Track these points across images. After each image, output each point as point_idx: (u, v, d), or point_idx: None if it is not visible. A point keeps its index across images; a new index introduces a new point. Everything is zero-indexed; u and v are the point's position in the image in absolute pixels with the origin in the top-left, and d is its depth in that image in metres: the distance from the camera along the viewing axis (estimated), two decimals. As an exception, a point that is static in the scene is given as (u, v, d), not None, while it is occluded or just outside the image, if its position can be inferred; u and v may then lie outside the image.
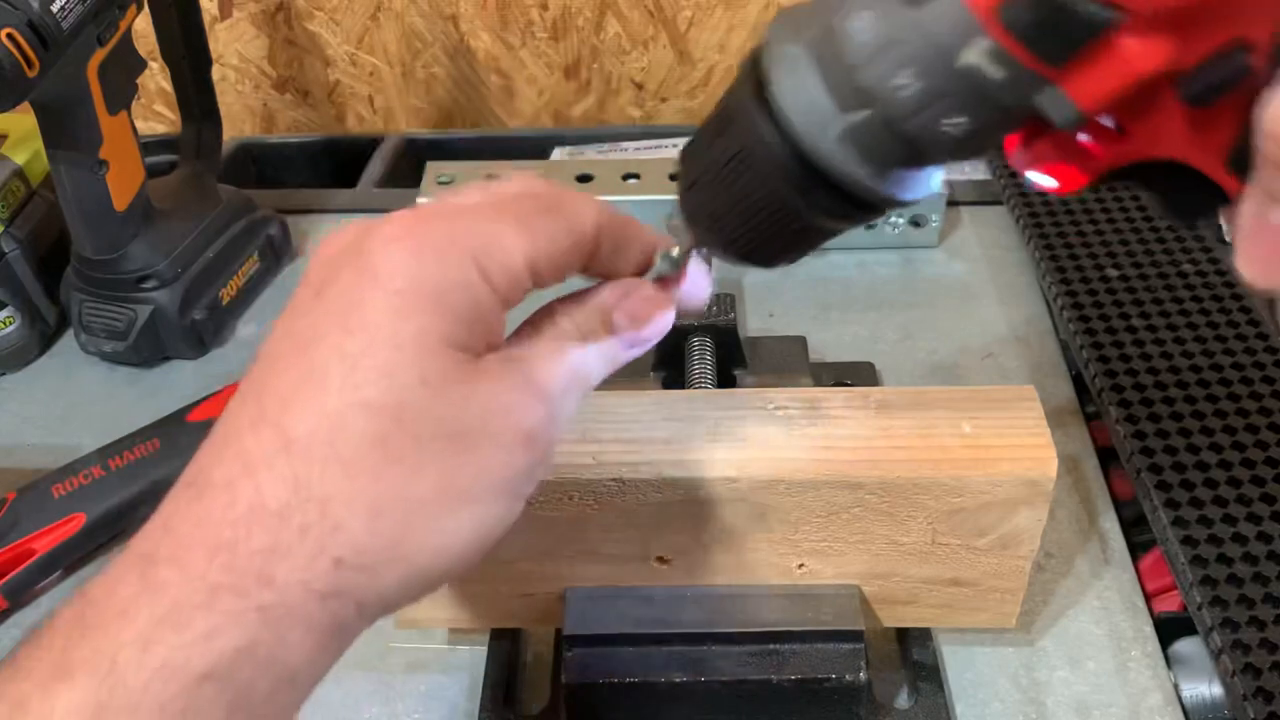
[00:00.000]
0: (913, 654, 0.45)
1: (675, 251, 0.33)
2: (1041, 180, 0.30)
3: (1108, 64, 0.25)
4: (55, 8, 0.50)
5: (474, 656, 0.46)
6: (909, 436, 0.40)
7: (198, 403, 0.54)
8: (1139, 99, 0.26)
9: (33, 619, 0.50)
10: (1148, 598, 0.48)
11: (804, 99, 0.28)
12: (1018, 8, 0.24)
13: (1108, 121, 0.28)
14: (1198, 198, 0.28)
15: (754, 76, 0.29)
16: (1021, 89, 0.26)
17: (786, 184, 0.29)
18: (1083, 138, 0.29)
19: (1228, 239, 0.67)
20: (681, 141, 0.83)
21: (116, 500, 0.51)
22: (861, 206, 0.30)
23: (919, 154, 0.28)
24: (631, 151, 0.81)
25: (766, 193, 0.29)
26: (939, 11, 0.25)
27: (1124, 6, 0.24)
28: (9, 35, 0.48)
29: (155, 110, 0.96)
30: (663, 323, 0.32)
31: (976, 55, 0.25)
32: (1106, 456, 0.54)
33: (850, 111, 0.27)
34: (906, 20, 0.26)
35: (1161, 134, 0.27)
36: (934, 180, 0.30)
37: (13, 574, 0.49)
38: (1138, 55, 0.25)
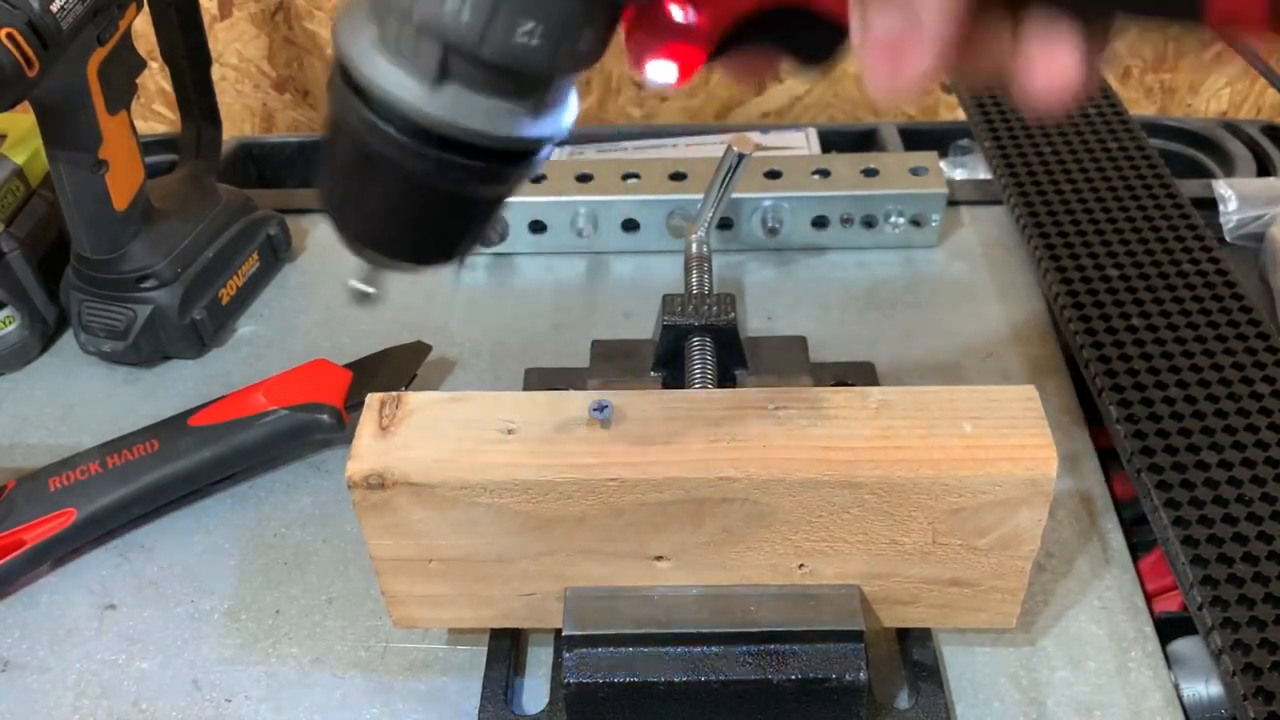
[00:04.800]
0: (913, 654, 0.45)
1: (356, 283, 0.31)
2: (662, 74, 0.28)
3: None
4: (55, 7, 0.50)
5: (474, 657, 0.46)
6: (909, 436, 0.40)
7: (201, 406, 0.54)
8: None
9: (16, 610, 0.50)
10: (1148, 598, 0.48)
11: (380, 66, 0.26)
12: None
13: None
14: (820, 36, 0.27)
15: (340, 66, 0.27)
16: None
17: (413, 159, 0.27)
18: (677, 13, 0.27)
19: (1229, 238, 0.67)
20: (683, 141, 0.83)
21: (109, 499, 0.51)
22: (496, 157, 0.27)
23: (517, 80, 0.26)
24: (631, 151, 0.81)
25: (399, 178, 0.27)
26: None
27: None
28: (9, 35, 0.48)
29: (155, 110, 0.96)
30: None
31: None
32: (1107, 456, 0.54)
33: (426, 59, 0.25)
34: None
35: None
36: (560, 115, 0.28)
37: (0, 563, 0.49)
38: None
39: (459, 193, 0.28)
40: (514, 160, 0.28)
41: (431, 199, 0.28)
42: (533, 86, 0.27)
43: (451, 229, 0.29)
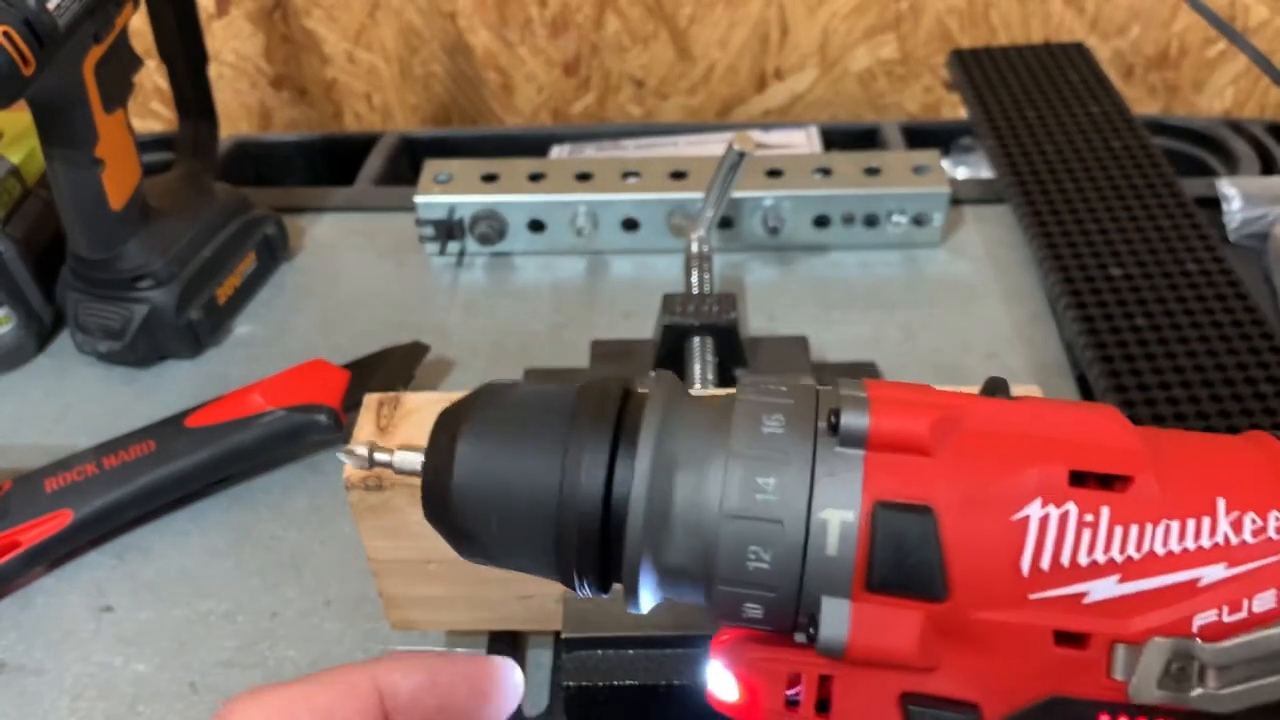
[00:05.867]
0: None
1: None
2: (724, 688, 0.27)
3: (906, 629, 0.25)
4: (51, 5, 0.49)
5: (473, 659, 0.46)
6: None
7: (197, 407, 0.54)
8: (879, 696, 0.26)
9: (12, 612, 0.49)
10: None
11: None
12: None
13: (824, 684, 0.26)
14: None
15: None
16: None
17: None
18: (791, 691, 0.27)
19: (1233, 238, 0.67)
20: (683, 139, 0.83)
21: (105, 500, 0.51)
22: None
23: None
24: (631, 149, 0.81)
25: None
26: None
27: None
28: (5, 33, 0.47)
29: (151, 108, 0.95)
30: None
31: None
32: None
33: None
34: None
35: None
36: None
37: (-3, 564, 0.49)
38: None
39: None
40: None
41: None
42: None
43: None
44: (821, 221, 0.67)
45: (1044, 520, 0.24)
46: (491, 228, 0.68)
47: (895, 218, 0.67)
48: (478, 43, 0.92)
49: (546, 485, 0.26)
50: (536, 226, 0.68)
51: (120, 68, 0.57)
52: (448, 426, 0.28)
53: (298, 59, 0.94)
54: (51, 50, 0.50)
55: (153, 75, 0.93)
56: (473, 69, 0.94)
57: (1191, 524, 0.24)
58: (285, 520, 0.53)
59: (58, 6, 0.50)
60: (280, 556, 0.51)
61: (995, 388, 0.28)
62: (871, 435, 0.25)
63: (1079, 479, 0.25)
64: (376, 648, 0.47)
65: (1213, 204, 0.68)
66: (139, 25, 0.60)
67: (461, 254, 0.69)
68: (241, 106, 0.96)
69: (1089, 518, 0.24)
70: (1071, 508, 0.24)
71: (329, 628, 0.48)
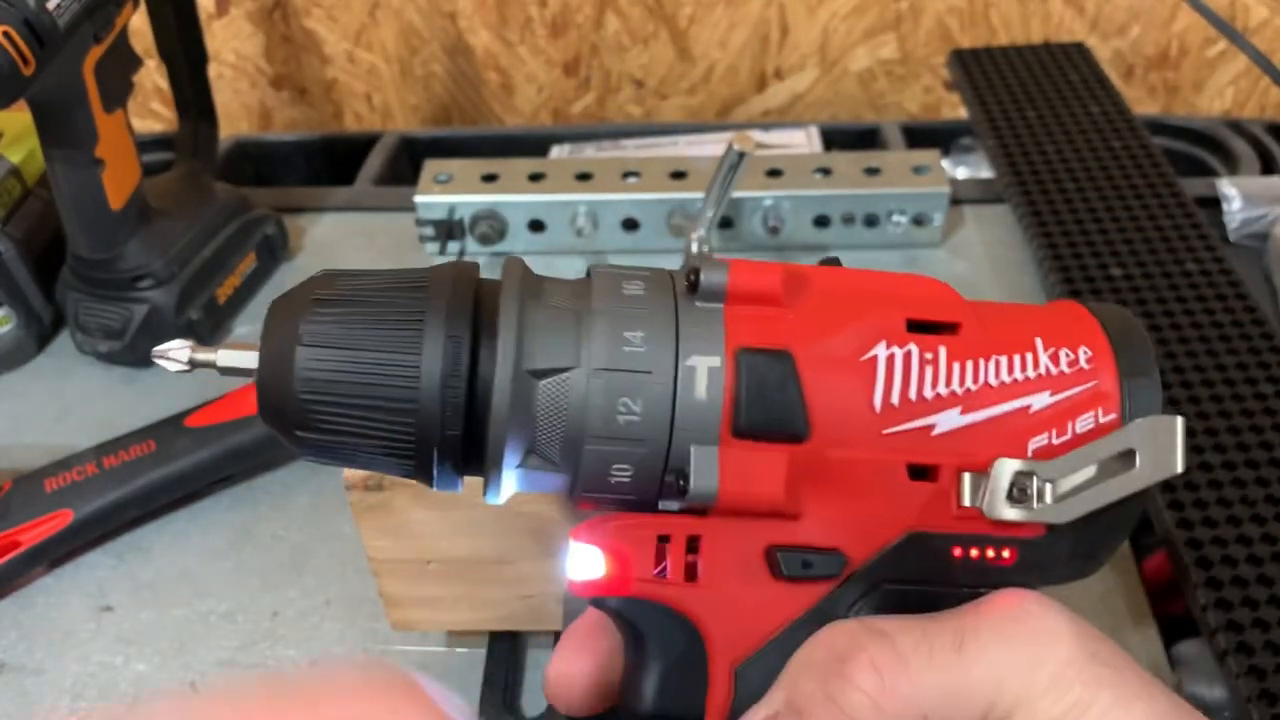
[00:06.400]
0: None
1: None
2: (587, 567, 0.27)
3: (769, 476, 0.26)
4: (51, 5, 0.49)
5: (473, 659, 0.46)
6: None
7: (197, 407, 0.54)
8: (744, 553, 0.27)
9: (13, 612, 0.49)
10: (1152, 600, 0.48)
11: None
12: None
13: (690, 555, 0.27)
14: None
15: None
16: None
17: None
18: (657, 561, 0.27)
19: (1233, 238, 0.67)
20: (683, 139, 0.83)
21: (105, 500, 0.51)
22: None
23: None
24: (631, 149, 0.81)
25: None
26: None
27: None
28: (5, 33, 0.47)
29: (151, 109, 0.95)
30: None
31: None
32: (1110, 457, 0.54)
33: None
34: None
35: (714, 598, 0.27)
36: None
37: (-3, 564, 0.49)
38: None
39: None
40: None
41: None
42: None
43: None
44: (821, 221, 0.67)
45: (890, 359, 0.26)
46: (492, 228, 0.68)
47: (895, 218, 0.67)
48: (478, 43, 0.92)
49: (404, 372, 0.25)
50: (536, 226, 0.68)
51: (120, 68, 0.57)
52: (285, 319, 0.26)
53: (298, 59, 0.94)
54: (51, 50, 0.50)
55: (152, 75, 0.93)
56: (473, 69, 0.94)
57: (1017, 358, 0.27)
58: (285, 520, 0.53)
59: (58, 6, 0.50)
60: (280, 556, 0.51)
61: (831, 261, 0.30)
62: (730, 289, 0.27)
63: (916, 327, 0.27)
64: (376, 647, 0.47)
65: (1213, 204, 0.68)
66: (139, 25, 0.60)
67: (461, 254, 0.69)
68: (241, 106, 0.96)
69: (929, 355, 0.27)
70: (913, 347, 0.27)
71: (329, 628, 0.48)
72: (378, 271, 0.27)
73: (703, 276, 0.27)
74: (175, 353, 0.27)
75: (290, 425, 0.27)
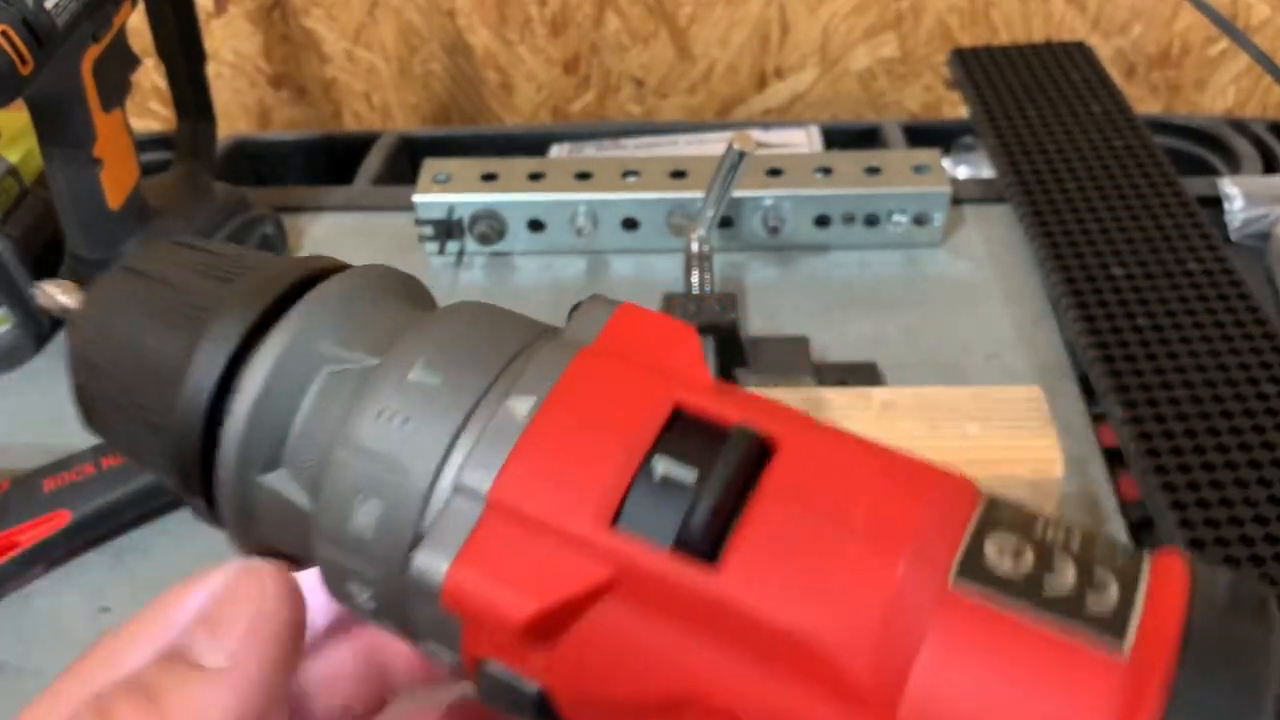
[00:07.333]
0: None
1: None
2: None
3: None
4: (49, 4, 0.49)
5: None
6: (913, 438, 0.39)
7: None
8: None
9: (10, 613, 0.49)
10: (1154, 601, 0.47)
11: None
12: None
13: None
14: None
15: None
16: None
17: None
18: None
19: (1235, 237, 0.66)
20: (683, 138, 0.83)
21: (104, 501, 0.50)
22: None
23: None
24: (631, 149, 0.80)
25: None
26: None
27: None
28: (3, 32, 0.47)
29: (150, 108, 0.95)
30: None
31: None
32: (1112, 457, 0.54)
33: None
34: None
35: None
36: None
37: (-7, 566, 0.49)
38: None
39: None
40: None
41: None
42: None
43: None
44: (822, 221, 0.67)
45: None
46: (491, 227, 0.67)
47: (896, 217, 0.67)
48: (477, 42, 0.92)
49: (171, 371, 0.20)
50: (536, 226, 0.67)
51: (118, 67, 0.57)
52: (102, 283, 0.22)
53: (297, 58, 0.94)
54: (49, 49, 0.50)
55: (151, 74, 0.92)
56: (472, 68, 0.94)
57: None
58: (284, 521, 0.53)
59: (55, 5, 0.49)
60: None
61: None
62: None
63: None
64: (376, 649, 0.47)
65: (1215, 203, 0.68)
66: (137, 24, 0.60)
67: (461, 254, 0.69)
68: (240, 106, 0.96)
69: None
70: None
71: (328, 629, 0.48)
72: (219, 249, 0.22)
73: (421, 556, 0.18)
74: (50, 289, 0.23)
75: (74, 390, 0.22)
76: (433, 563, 0.18)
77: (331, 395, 0.20)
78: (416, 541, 0.18)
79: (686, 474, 0.18)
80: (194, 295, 0.21)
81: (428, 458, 0.19)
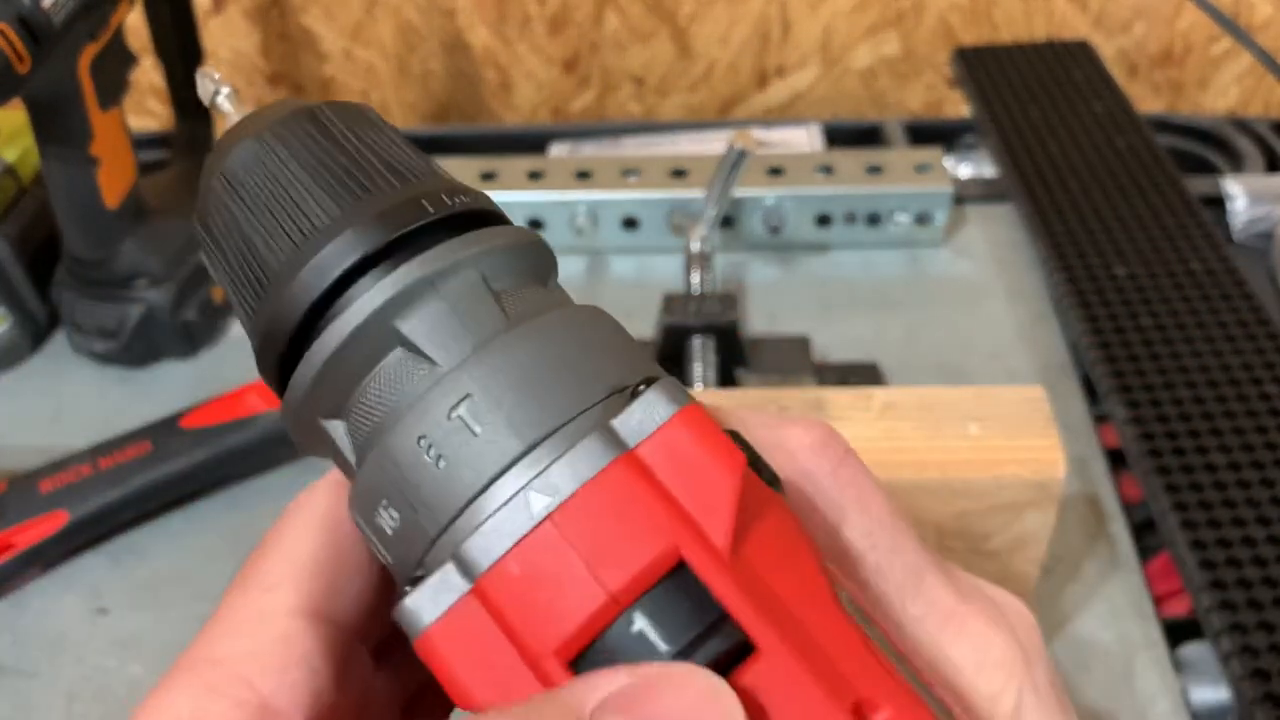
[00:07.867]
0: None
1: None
2: None
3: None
4: (46, 3, 0.49)
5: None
6: (914, 438, 0.39)
7: (193, 408, 0.54)
8: None
9: (7, 614, 0.49)
10: (1156, 601, 0.47)
11: None
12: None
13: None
14: None
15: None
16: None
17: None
18: None
19: (1237, 237, 0.66)
20: (684, 137, 0.82)
21: (101, 501, 0.50)
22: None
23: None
24: (631, 147, 0.80)
25: None
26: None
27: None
28: (0, 31, 0.47)
29: (147, 107, 0.95)
30: None
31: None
32: (1114, 457, 0.53)
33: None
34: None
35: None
36: None
37: (-10, 567, 0.48)
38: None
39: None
40: None
41: None
42: None
43: None
44: (823, 220, 0.67)
45: None
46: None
47: (898, 216, 0.66)
48: (476, 40, 0.92)
49: (302, 242, 0.20)
50: (535, 225, 0.67)
51: (116, 65, 0.56)
52: (270, 114, 0.22)
53: (294, 56, 0.93)
54: (47, 48, 0.49)
55: (149, 73, 0.92)
56: (471, 66, 0.93)
57: None
58: (282, 521, 0.53)
59: (53, 4, 0.49)
60: (277, 558, 0.51)
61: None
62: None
63: None
64: (374, 650, 0.47)
65: (1217, 203, 0.67)
66: (135, 23, 0.60)
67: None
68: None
69: None
70: None
71: (326, 630, 0.48)
72: (399, 139, 0.22)
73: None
74: (215, 75, 0.24)
75: (199, 212, 0.22)
76: (417, 614, 0.19)
77: (400, 379, 0.20)
78: (415, 580, 0.19)
79: (660, 644, 0.18)
80: (361, 174, 0.20)
81: (445, 510, 0.19)
